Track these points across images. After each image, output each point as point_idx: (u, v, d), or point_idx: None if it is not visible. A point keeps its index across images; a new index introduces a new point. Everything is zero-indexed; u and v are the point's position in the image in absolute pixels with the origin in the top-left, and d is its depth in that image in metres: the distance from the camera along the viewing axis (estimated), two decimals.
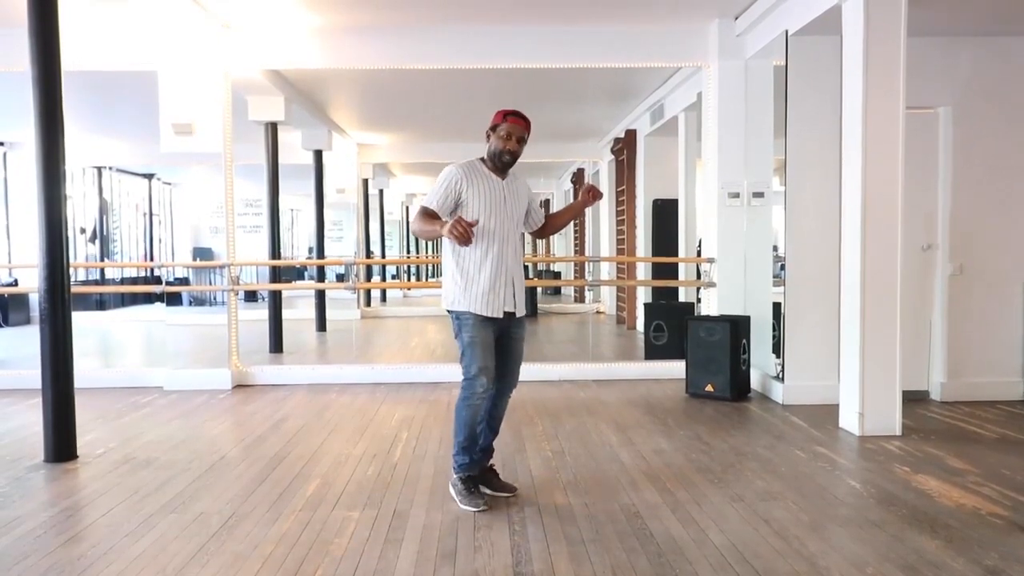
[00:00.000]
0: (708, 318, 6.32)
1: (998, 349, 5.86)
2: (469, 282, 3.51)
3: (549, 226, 3.89)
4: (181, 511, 3.54)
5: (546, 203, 20.17)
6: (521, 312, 3.66)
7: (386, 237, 16.99)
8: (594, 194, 3.72)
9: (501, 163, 3.56)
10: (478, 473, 3.67)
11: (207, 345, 8.23)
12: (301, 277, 15.31)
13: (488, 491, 3.67)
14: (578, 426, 5.16)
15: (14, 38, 4.78)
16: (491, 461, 3.77)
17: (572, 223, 15.73)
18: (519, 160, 3.61)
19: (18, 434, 5.05)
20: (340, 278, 11.64)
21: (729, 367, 5.88)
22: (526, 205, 3.71)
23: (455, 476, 3.62)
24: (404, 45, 6.74)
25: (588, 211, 14.13)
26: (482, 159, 3.62)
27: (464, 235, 3.25)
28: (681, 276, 8.79)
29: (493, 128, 3.57)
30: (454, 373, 6.64)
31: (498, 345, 3.59)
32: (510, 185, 3.62)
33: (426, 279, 19.69)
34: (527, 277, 4.85)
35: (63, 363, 4.43)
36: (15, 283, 11.76)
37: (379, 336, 11.19)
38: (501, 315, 3.54)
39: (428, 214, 3.48)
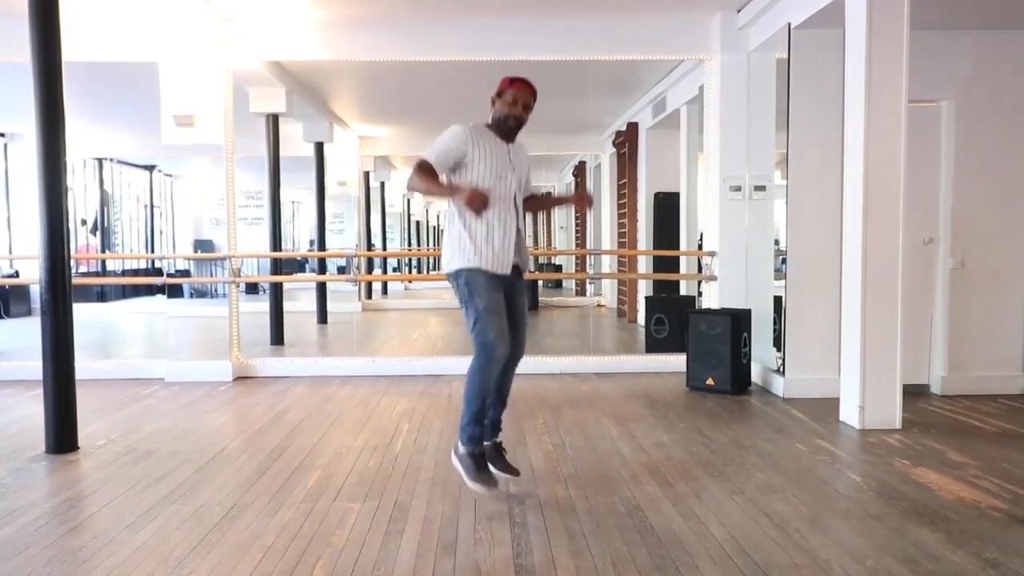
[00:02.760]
0: (709, 311, 6.32)
1: (999, 343, 5.86)
2: (478, 239, 3.44)
3: (530, 203, 3.75)
4: (182, 502, 3.55)
5: (547, 195, 20.14)
6: (527, 268, 3.62)
7: (387, 230, 16.97)
8: (587, 202, 3.77)
9: (507, 128, 3.51)
10: (488, 447, 3.61)
11: (208, 337, 8.24)
12: (302, 269, 15.33)
13: (492, 470, 3.57)
14: (579, 419, 5.16)
15: (15, 28, 4.75)
16: (499, 439, 3.71)
17: (574, 221, 15.81)
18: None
19: (19, 425, 5.06)
20: (341, 271, 11.64)
21: (730, 361, 5.88)
22: (527, 172, 3.66)
23: (463, 450, 3.49)
24: (406, 37, 6.73)
25: None
26: (487, 124, 3.56)
27: (483, 207, 3.26)
28: (682, 269, 8.79)
29: (499, 94, 3.52)
30: (455, 366, 6.72)
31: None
32: (514, 150, 3.58)
33: (427, 272, 19.70)
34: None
35: (64, 354, 4.43)
36: (16, 274, 11.76)
37: (380, 329, 11.19)
38: (510, 271, 3.49)
39: (428, 170, 3.39)
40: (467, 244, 3.45)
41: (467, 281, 3.45)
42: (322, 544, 3.06)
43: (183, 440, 4.67)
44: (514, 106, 3.49)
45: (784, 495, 3.60)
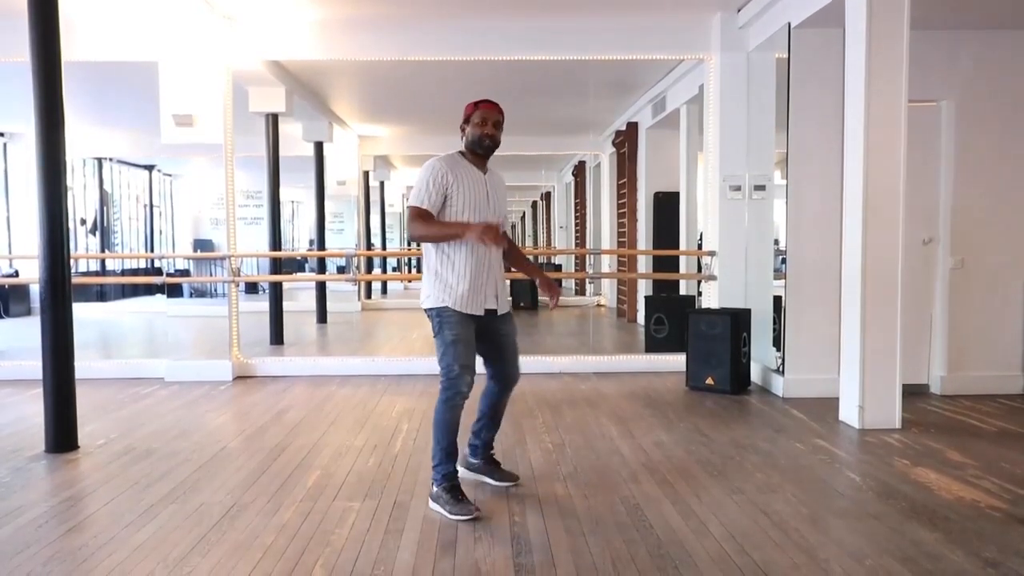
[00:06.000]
0: (709, 311, 6.32)
1: (998, 343, 5.86)
2: (451, 280, 3.41)
3: (509, 254, 3.74)
4: (182, 501, 3.55)
5: (547, 196, 20.13)
6: (504, 309, 3.58)
7: (387, 229, 16.96)
8: (554, 295, 3.67)
9: (482, 149, 3.46)
10: (481, 463, 3.71)
11: (208, 336, 8.25)
12: (302, 269, 15.32)
13: (491, 482, 3.69)
14: (578, 418, 5.16)
15: (14, 28, 4.75)
16: (492, 450, 3.77)
17: (574, 221, 15.80)
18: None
19: (19, 425, 5.06)
20: (341, 270, 11.65)
21: (729, 360, 5.88)
22: (504, 203, 3.62)
23: (436, 489, 3.41)
24: (405, 37, 6.73)
25: (589, 204, 14.14)
26: (461, 152, 3.52)
27: (497, 238, 3.27)
28: (682, 269, 8.79)
29: (466, 120, 3.48)
30: None
31: (490, 343, 3.56)
32: (491, 180, 3.53)
33: None
34: None
35: (64, 354, 4.44)
36: (16, 274, 11.76)
37: (380, 328, 11.20)
38: (483, 312, 3.47)
39: (427, 216, 3.36)
40: (441, 284, 3.42)
41: (439, 313, 3.44)
42: (322, 543, 3.06)
43: (183, 439, 4.67)
44: (484, 126, 3.43)
45: (783, 495, 3.60)
